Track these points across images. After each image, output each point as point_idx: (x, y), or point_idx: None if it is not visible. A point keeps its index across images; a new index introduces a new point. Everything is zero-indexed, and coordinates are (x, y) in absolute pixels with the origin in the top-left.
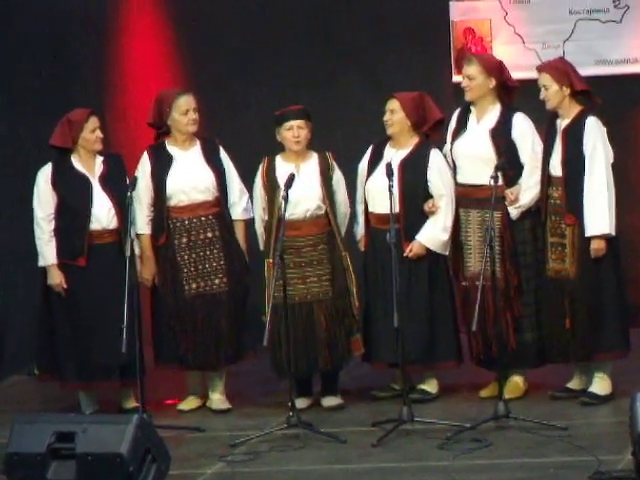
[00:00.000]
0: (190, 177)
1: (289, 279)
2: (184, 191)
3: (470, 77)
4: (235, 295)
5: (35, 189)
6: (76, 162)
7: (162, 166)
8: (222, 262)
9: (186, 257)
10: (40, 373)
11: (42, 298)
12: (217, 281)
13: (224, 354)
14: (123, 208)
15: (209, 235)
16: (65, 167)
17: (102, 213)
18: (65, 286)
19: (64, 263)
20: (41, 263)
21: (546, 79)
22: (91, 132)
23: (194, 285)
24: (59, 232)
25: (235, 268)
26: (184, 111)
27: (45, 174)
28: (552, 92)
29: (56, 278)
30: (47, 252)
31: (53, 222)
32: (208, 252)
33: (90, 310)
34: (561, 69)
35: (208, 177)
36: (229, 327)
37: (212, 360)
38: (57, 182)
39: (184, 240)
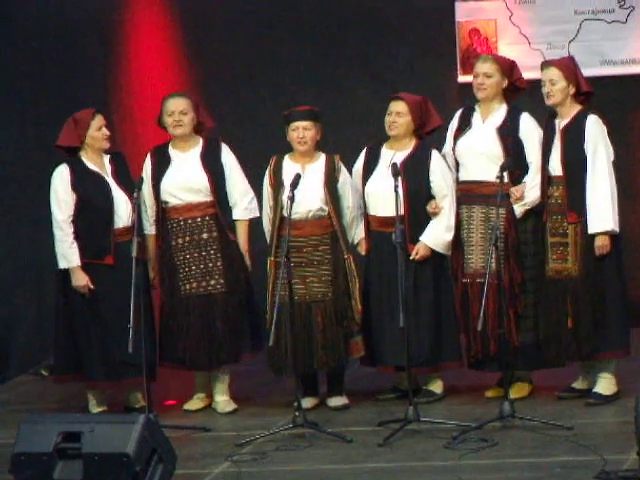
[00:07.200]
0: (184, 179)
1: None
2: (178, 193)
3: (487, 74)
4: (232, 297)
5: (52, 192)
6: (87, 161)
7: (160, 167)
8: (219, 263)
9: (182, 257)
10: (58, 375)
11: (61, 300)
12: (213, 282)
13: (216, 355)
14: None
15: (205, 236)
16: (80, 167)
17: (122, 210)
18: (92, 287)
19: (88, 263)
20: (63, 265)
21: (555, 74)
22: (97, 130)
23: (188, 286)
24: (82, 233)
25: (233, 270)
26: (169, 113)
27: (62, 176)
28: (558, 88)
29: (82, 279)
30: (71, 254)
31: (73, 224)
32: (204, 253)
33: (117, 308)
34: (571, 67)
35: (202, 179)
36: (224, 328)
37: (204, 361)
38: (76, 183)
39: (180, 241)
